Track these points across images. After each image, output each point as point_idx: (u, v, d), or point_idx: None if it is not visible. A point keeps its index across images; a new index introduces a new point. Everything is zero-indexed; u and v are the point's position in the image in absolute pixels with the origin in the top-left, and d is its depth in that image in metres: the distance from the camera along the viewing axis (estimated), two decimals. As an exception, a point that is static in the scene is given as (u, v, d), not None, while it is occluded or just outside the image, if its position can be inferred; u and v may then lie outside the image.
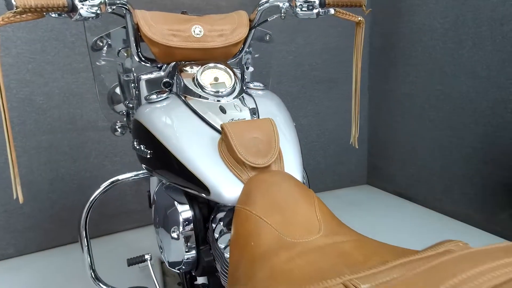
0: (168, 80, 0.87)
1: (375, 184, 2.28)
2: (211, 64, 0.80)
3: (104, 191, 0.95)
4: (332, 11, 0.86)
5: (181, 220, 0.70)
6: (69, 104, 1.62)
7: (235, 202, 0.61)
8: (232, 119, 0.72)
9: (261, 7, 0.87)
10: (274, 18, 0.89)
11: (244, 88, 0.82)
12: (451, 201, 1.82)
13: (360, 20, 0.88)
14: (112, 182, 0.93)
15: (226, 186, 0.61)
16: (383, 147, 2.20)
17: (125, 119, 1.04)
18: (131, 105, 0.97)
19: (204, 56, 0.86)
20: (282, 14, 0.86)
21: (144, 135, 0.75)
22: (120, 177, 0.95)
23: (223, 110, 0.73)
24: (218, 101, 0.75)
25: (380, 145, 2.23)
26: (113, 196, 1.74)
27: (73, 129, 1.64)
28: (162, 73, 0.90)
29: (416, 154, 1.98)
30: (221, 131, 0.68)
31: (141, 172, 0.95)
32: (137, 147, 0.76)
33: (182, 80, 0.80)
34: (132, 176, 0.94)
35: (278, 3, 0.85)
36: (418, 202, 2.00)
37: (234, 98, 0.76)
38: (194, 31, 0.82)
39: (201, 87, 0.77)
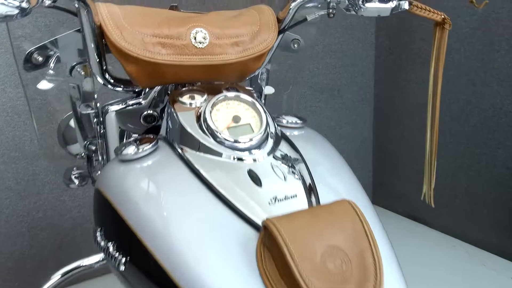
0: (152, 112, 0.56)
1: (383, 204, 2.02)
2: (230, 94, 0.49)
3: (58, 283, 0.62)
4: (406, 5, 0.57)
5: None
6: (14, 126, 1.25)
7: None
8: (275, 198, 0.41)
9: (297, 1, 0.56)
10: (317, 16, 0.58)
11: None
12: (479, 229, 1.58)
13: (444, 18, 0.60)
14: (69, 271, 0.61)
15: None
16: (392, 162, 1.94)
17: (85, 162, 0.71)
18: (93, 148, 0.65)
19: (209, 76, 0.55)
20: (331, 10, 0.56)
21: (114, 224, 0.43)
22: (83, 262, 0.62)
23: (255, 179, 0.42)
24: (241, 159, 0.44)
25: (387, 160, 1.97)
26: (74, 241, 1.39)
27: (20, 157, 1.27)
28: (142, 102, 0.58)
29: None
30: (260, 227, 0.37)
31: None
32: (102, 244, 0.44)
33: (178, 118, 0.48)
34: (99, 261, 0.62)
35: None
36: (436, 227, 1.76)
37: (269, 153, 0.46)
38: (195, 38, 0.51)
39: (213, 134, 0.45)
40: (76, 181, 0.71)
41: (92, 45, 0.50)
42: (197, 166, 0.43)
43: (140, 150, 0.45)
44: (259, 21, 0.56)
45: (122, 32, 0.48)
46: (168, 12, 0.55)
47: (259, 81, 0.69)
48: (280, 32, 0.58)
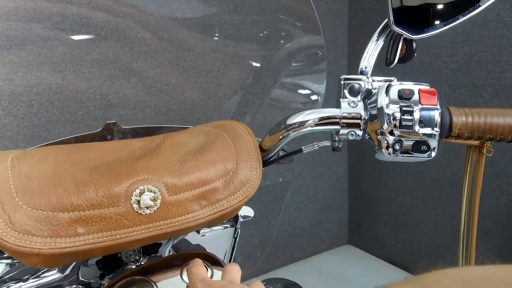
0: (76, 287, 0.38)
1: (360, 246, 1.90)
2: None
3: None
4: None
5: None
6: None
7: None
8: None
9: (292, 130, 0.40)
10: (316, 148, 0.43)
11: None
12: (466, 282, 1.48)
13: (482, 142, 0.47)
14: None
15: None
16: (368, 202, 1.83)
17: None
18: None
19: (161, 239, 0.37)
20: (337, 144, 0.41)
21: None
22: None
23: None
24: None
25: (363, 200, 1.85)
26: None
27: None
28: (59, 274, 0.39)
29: (414, 217, 1.63)
30: None
31: None
32: None
33: None
34: None
35: (335, 128, 0.40)
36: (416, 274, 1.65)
37: None
38: (139, 203, 0.33)
39: None
40: None
41: None
42: None
43: None
44: (235, 154, 0.39)
45: (12, 218, 0.29)
46: (99, 148, 0.36)
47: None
48: (265, 165, 0.41)
